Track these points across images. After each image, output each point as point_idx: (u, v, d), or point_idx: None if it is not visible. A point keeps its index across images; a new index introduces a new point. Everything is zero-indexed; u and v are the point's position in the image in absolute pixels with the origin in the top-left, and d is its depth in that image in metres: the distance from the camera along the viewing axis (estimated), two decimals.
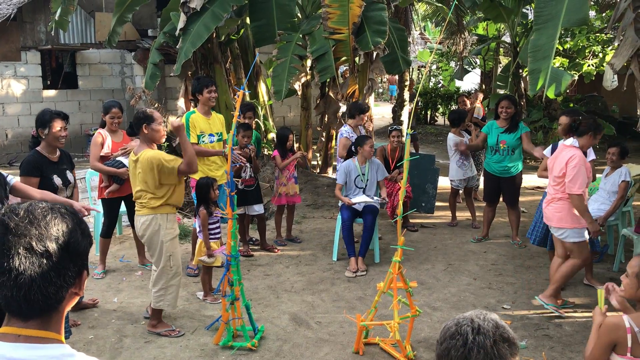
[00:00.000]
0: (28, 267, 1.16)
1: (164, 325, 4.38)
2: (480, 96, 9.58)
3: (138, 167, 4.17)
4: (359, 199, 5.86)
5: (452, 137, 7.37)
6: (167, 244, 4.21)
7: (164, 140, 4.50)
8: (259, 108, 9.55)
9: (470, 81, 20.18)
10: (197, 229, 5.00)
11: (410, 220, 7.31)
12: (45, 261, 1.17)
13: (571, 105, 13.58)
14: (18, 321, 1.20)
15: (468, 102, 9.07)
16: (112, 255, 6.09)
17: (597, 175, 5.73)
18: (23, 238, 1.16)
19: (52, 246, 1.18)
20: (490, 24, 14.60)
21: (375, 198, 5.92)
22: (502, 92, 11.07)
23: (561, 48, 12.61)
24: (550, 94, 5.37)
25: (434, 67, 20.80)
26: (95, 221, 6.16)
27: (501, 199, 6.69)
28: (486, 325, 1.47)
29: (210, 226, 4.91)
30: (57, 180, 4.32)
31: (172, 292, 4.31)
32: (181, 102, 8.53)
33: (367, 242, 5.85)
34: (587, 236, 4.63)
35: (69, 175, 4.46)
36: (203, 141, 5.57)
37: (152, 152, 4.13)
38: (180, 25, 7.61)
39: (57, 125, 4.28)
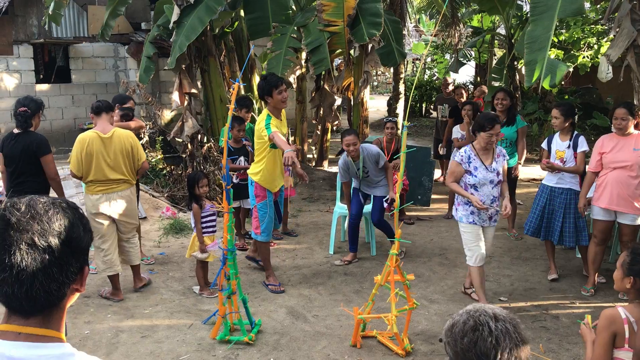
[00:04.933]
0: (30, 263, 1.13)
1: None
2: (485, 89, 9.53)
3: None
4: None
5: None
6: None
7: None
8: (254, 101, 9.50)
9: (465, 74, 20.14)
10: (192, 224, 4.96)
11: (407, 213, 7.31)
12: (47, 257, 1.15)
13: (566, 97, 13.59)
14: (19, 318, 1.17)
15: (464, 95, 8.99)
16: None
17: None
18: (25, 233, 1.14)
19: (54, 241, 1.15)
20: (485, 16, 14.56)
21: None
22: (497, 84, 11.02)
23: (556, 40, 12.58)
24: (546, 84, 5.36)
25: (428, 59, 20.75)
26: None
27: None
28: (500, 311, 1.45)
29: (205, 219, 4.87)
30: None
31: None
32: (175, 96, 8.47)
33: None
34: (595, 215, 4.90)
35: None
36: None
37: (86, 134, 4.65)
38: (174, 18, 7.54)
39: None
